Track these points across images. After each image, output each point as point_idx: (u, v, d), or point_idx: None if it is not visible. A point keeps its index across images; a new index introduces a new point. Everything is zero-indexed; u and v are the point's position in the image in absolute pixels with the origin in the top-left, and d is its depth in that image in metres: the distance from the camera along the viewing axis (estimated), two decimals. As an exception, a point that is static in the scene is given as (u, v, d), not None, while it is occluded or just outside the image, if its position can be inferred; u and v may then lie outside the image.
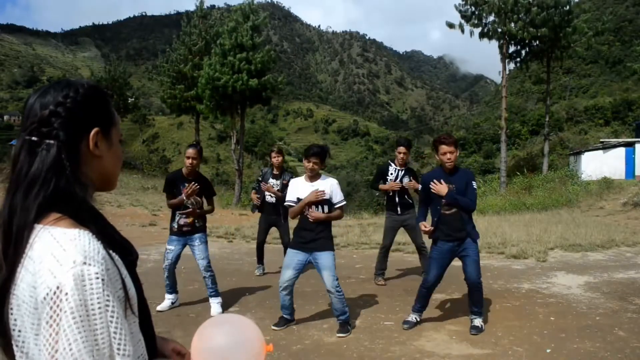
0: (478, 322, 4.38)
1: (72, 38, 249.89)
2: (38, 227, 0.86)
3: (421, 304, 4.53)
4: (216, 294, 4.98)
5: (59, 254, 0.81)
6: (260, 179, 6.50)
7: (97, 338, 0.79)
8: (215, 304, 4.96)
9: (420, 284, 4.57)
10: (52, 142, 0.88)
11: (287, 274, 4.25)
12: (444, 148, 4.20)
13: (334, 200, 4.22)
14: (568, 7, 22.92)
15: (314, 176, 4.26)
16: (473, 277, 4.29)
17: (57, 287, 0.79)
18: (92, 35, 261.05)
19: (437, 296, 5.52)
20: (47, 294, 0.79)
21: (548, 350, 3.87)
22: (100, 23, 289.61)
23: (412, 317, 4.53)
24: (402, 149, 5.89)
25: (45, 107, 0.90)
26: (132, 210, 14.42)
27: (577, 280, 6.15)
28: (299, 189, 4.26)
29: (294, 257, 4.23)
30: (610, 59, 74.79)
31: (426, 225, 4.33)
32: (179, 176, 4.87)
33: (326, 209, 4.22)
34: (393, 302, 5.29)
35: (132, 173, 28.10)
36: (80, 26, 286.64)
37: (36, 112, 0.90)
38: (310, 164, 4.15)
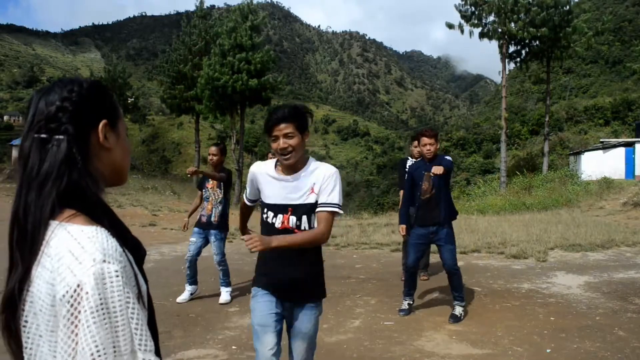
0: (458, 310, 4.69)
1: (72, 38, 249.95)
2: (54, 224, 0.86)
3: (409, 287, 4.87)
4: (226, 285, 5.33)
5: (77, 252, 0.81)
6: None
7: (119, 335, 0.80)
8: (224, 292, 5.31)
9: (404, 270, 5.00)
10: (61, 137, 0.88)
11: (269, 341, 2.24)
12: (424, 140, 4.63)
13: (320, 200, 2.22)
14: (568, 7, 22.93)
15: (290, 165, 2.21)
16: (449, 263, 4.63)
17: (78, 286, 0.79)
18: (92, 35, 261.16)
19: (437, 296, 5.53)
20: (67, 292, 0.79)
21: (548, 350, 3.87)
22: (100, 23, 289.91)
23: (405, 304, 4.88)
24: (417, 143, 5.98)
25: (51, 104, 0.90)
26: (132, 211, 14.42)
27: (577, 280, 6.15)
28: (262, 185, 2.33)
29: (267, 308, 2.29)
30: (610, 59, 74.77)
31: (403, 231, 4.88)
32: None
33: (306, 222, 2.25)
34: (393, 302, 5.29)
35: (132, 173, 28.11)
36: (80, 26, 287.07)
37: (43, 110, 0.90)
38: (280, 142, 2.15)
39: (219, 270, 5.28)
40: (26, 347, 0.85)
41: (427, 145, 4.59)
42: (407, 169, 6.02)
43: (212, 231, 5.17)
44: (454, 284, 4.71)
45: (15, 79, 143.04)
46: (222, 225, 5.22)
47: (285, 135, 2.15)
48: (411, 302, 4.91)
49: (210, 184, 5.21)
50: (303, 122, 2.20)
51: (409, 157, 6.24)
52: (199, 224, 5.25)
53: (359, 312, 4.94)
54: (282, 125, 2.15)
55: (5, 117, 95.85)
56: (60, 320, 0.80)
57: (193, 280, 5.36)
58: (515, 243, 8.50)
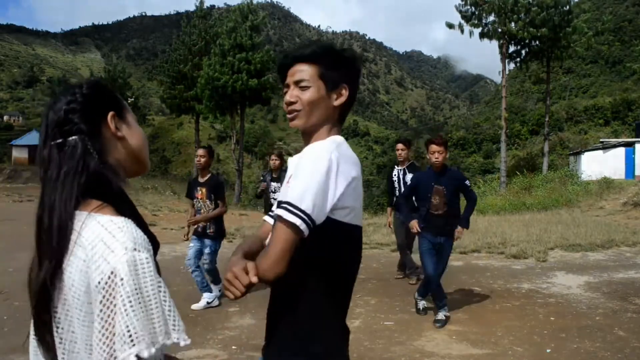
0: (441, 314, 4.58)
1: (72, 38, 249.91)
2: (84, 214, 0.91)
3: (439, 298, 4.63)
4: (216, 282, 5.22)
5: (109, 241, 0.86)
6: (262, 180, 6.60)
7: (154, 318, 0.85)
8: (214, 289, 5.22)
9: (426, 284, 4.70)
10: (75, 137, 0.95)
11: None
12: (433, 147, 4.50)
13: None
14: (568, 7, 22.94)
15: (304, 136, 1.38)
16: (439, 274, 4.60)
17: (112, 273, 0.83)
18: (92, 35, 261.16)
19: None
20: (102, 279, 0.84)
21: (548, 350, 3.87)
22: (100, 23, 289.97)
23: (442, 315, 4.59)
24: (399, 145, 6.11)
25: (60, 110, 0.97)
26: (132, 211, 14.42)
27: (577, 280, 6.15)
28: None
29: None
30: (610, 59, 74.80)
31: (416, 226, 4.58)
32: (195, 180, 5.27)
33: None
34: (393, 302, 5.29)
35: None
36: (80, 26, 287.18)
37: (53, 119, 0.97)
38: (287, 93, 1.34)
39: (207, 276, 5.17)
40: (57, 335, 0.90)
41: (436, 154, 4.46)
42: (394, 178, 6.08)
43: (207, 241, 5.08)
44: (437, 294, 4.66)
45: (15, 79, 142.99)
46: (217, 236, 5.10)
47: (297, 84, 1.30)
48: (448, 314, 4.63)
49: (200, 194, 5.08)
50: (333, 68, 1.31)
51: (396, 165, 6.21)
52: (195, 232, 5.15)
53: (359, 312, 4.94)
54: (296, 67, 1.31)
55: (5, 117, 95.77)
56: (95, 306, 0.84)
57: (206, 287, 5.13)
58: (515, 243, 8.50)
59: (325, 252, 1.22)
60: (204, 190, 5.07)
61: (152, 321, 0.85)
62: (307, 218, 1.13)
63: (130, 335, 0.82)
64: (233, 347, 3.95)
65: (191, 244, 5.17)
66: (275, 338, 1.28)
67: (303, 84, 1.29)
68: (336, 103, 1.31)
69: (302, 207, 1.13)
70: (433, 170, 4.57)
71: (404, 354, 3.84)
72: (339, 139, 1.29)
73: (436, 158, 4.47)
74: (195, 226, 5.12)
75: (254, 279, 1.13)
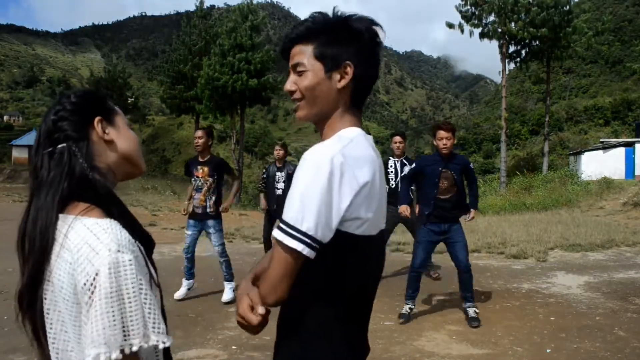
0: (473, 311, 4.53)
1: (72, 38, 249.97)
2: (70, 217, 0.92)
3: (412, 289, 4.64)
4: (230, 278, 5.24)
5: (94, 243, 0.88)
6: (264, 175, 6.74)
7: (132, 319, 0.86)
8: (227, 289, 5.23)
9: (410, 269, 4.73)
10: (63, 145, 0.97)
11: None
12: (441, 133, 4.40)
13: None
14: (568, 7, 22.95)
15: (318, 128, 1.22)
16: (464, 262, 4.46)
17: (96, 274, 0.85)
18: (92, 35, 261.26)
19: (437, 296, 5.52)
20: (87, 281, 0.86)
21: (548, 350, 3.87)
22: (100, 23, 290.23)
23: (406, 308, 4.64)
24: (397, 138, 6.13)
25: (49, 121, 1.00)
26: (132, 211, 14.35)
27: (577, 280, 6.15)
28: None
29: None
30: (610, 59, 74.79)
31: (406, 211, 4.65)
32: (194, 160, 5.21)
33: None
34: (393, 302, 5.28)
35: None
36: (80, 26, 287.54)
37: (45, 129, 1.00)
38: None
39: (221, 261, 5.16)
40: (50, 336, 0.93)
41: (444, 140, 4.34)
42: (390, 170, 6.07)
43: (210, 222, 5.02)
44: (468, 283, 4.51)
45: (15, 79, 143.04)
46: (219, 214, 5.09)
47: (294, 69, 1.16)
48: (413, 307, 4.67)
49: (201, 172, 5.03)
50: (333, 44, 1.12)
51: (390, 157, 6.21)
52: (193, 215, 5.07)
53: (359, 312, 4.93)
54: (294, 49, 1.16)
55: (5, 117, 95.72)
56: (83, 307, 0.86)
57: (191, 274, 5.22)
58: (515, 243, 8.50)
59: (333, 269, 1.08)
60: (205, 168, 5.03)
61: (130, 322, 0.85)
62: (311, 240, 1.00)
63: (92, 339, 0.83)
64: (233, 347, 3.95)
65: (189, 232, 5.11)
66: (278, 356, 1.19)
67: (299, 68, 1.13)
68: (340, 85, 1.12)
69: (303, 229, 0.99)
70: (440, 156, 4.46)
71: (404, 354, 3.84)
72: (350, 133, 1.11)
73: (444, 144, 4.36)
74: (192, 209, 5.07)
75: (261, 310, 1.09)
